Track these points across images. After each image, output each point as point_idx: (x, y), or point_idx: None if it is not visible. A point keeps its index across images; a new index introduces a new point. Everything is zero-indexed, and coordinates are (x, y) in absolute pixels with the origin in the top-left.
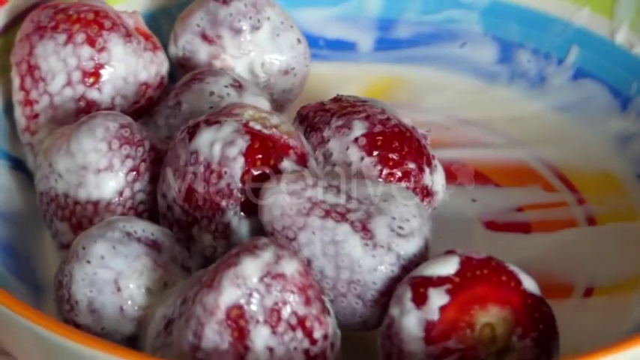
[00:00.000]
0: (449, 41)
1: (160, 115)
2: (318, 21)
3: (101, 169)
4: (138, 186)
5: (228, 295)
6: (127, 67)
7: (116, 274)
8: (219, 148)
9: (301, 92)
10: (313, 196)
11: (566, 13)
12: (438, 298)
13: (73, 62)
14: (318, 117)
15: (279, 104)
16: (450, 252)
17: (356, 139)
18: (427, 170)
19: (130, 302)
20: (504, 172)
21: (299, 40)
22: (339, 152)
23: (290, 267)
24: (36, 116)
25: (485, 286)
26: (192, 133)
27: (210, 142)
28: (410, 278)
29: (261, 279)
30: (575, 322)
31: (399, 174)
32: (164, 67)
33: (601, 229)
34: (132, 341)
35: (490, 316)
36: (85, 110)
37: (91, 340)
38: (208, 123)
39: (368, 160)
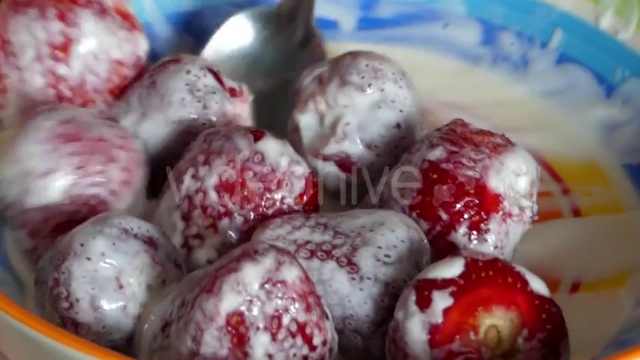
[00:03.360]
0: (431, 21)
1: (133, 95)
2: None
3: (45, 172)
4: (85, 181)
5: (229, 301)
6: (98, 43)
7: (117, 271)
8: (287, 162)
9: None
10: (299, 238)
11: None
12: (441, 301)
13: (43, 36)
14: None
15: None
16: (456, 254)
17: None
18: None
19: (132, 299)
20: None
21: (398, 125)
22: None
23: (291, 273)
24: (4, 91)
25: (489, 288)
26: (258, 136)
27: (280, 153)
28: (415, 281)
29: (261, 285)
30: None
31: None
32: (141, 47)
33: (586, 220)
34: (130, 340)
35: (495, 318)
36: (54, 85)
37: (85, 346)
38: (275, 136)
39: None
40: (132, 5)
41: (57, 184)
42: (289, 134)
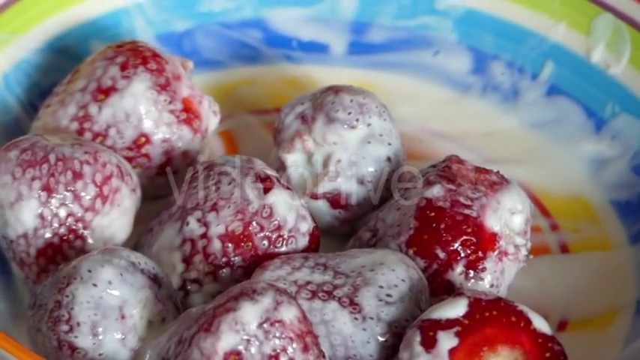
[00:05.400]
0: (422, 48)
1: None
2: (292, 21)
3: (13, 201)
4: (55, 202)
5: (227, 340)
6: (135, 106)
7: (122, 301)
8: (294, 218)
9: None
10: (299, 279)
11: (542, 27)
12: (447, 342)
13: (99, 73)
14: None
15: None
16: (459, 293)
17: None
18: None
19: (132, 331)
20: None
21: (389, 159)
22: None
23: (289, 313)
24: (48, 106)
25: (494, 328)
26: (268, 187)
27: (289, 208)
28: (419, 321)
29: (260, 325)
30: None
31: None
32: (179, 143)
33: (574, 257)
34: None
35: (500, 357)
36: (80, 121)
37: None
38: (283, 186)
39: None
40: (204, 110)
41: (26, 211)
42: None
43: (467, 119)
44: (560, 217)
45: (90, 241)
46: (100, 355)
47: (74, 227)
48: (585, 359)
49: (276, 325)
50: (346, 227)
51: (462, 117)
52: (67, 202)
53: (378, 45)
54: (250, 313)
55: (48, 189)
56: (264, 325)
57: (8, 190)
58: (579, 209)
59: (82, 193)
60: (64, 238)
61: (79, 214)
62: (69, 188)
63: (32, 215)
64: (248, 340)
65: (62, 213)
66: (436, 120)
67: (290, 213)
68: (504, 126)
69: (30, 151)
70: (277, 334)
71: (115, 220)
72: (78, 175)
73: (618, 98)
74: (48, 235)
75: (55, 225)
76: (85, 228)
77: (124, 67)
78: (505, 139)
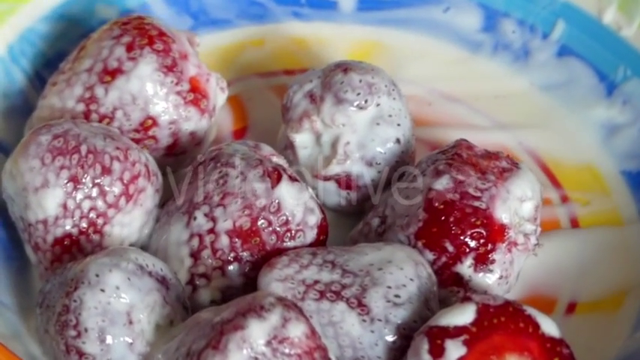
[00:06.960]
0: (433, 4)
1: None
2: None
3: (38, 187)
4: (80, 195)
5: (234, 359)
6: (142, 89)
7: (130, 306)
8: (302, 211)
9: None
10: (307, 278)
11: None
12: (455, 350)
13: (105, 54)
14: None
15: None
16: (467, 299)
17: None
18: None
19: (140, 337)
20: None
21: (398, 141)
22: None
23: (297, 330)
24: (55, 84)
25: (502, 335)
26: (276, 179)
27: (296, 202)
28: (427, 328)
29: (267, 343)
30: None
31: None
32: (186, 124)
33: (585, 233)
34: None
35: None
36: (86, 102)
37: None
38: (291, 178)
39: None
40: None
41: (50, 199)
42: (281, 150)
43: (477, 80)
44: (570, 187)
45: (107, 236)
46: None
47: (94, 221)
48: (594, 344)
49: (285, 343)
50: (354, 208)
51: (472, 77)
52: (91, 196)
53: (388, 1)
54: (258, 331)
55: (75, 180)
56: (272, 343)
57: (35, 174)
58: (590, 179)
59: (108, 189)
60: (83, 230)
61: (102, 210)
62: (96, 182)
63: (55, 204)
64: (256, 359)
65: (85, 206)
66: (446, 81)
67: (298, 207)
68: (515, 88)
69: (62, 138)
70: (285, 352)
71: (136, 219)
72: (107, 171)
73: (630, 62)
74: (68, 225)
75: (77, 217)
76: (105, 224)
77: (130, 48)
78: (515, 102)
